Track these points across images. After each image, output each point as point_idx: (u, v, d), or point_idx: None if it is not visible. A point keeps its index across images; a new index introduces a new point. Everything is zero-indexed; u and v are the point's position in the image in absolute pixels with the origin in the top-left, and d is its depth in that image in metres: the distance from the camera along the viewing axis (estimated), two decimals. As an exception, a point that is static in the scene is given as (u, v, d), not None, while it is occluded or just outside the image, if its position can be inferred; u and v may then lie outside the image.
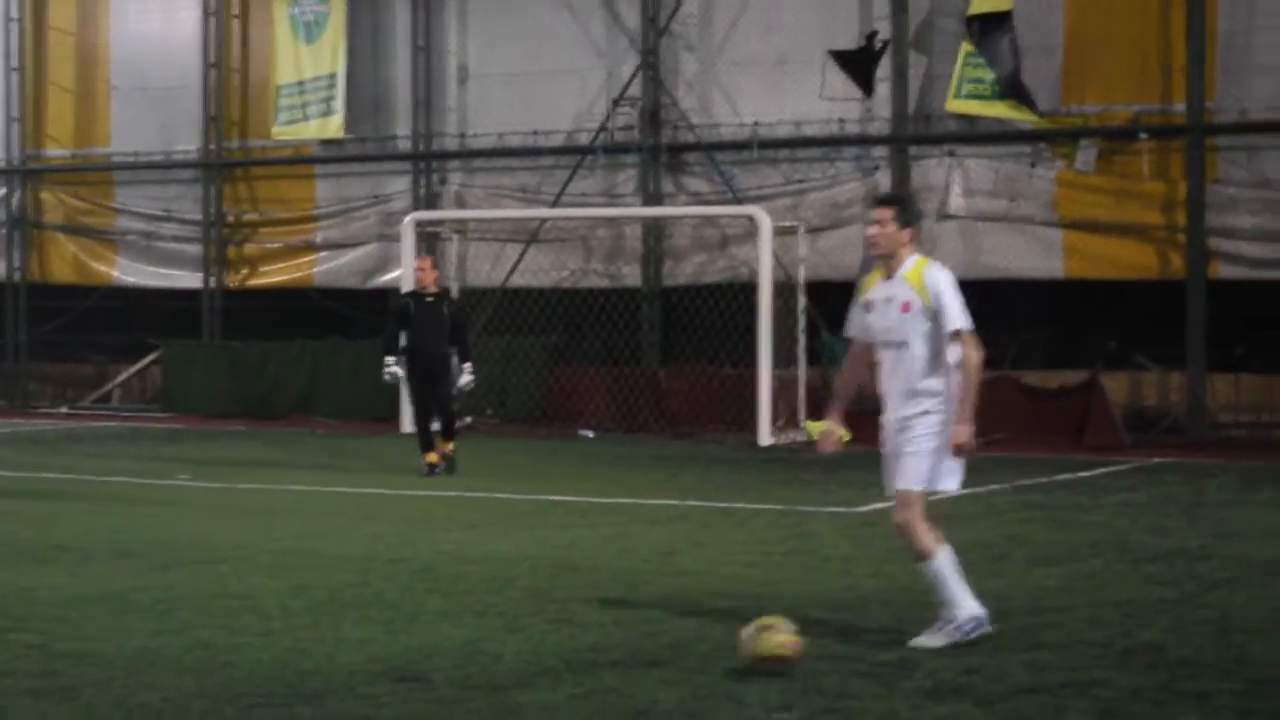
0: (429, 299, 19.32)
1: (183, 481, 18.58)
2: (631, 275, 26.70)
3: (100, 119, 30.62)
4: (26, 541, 13.80)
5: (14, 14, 30.69)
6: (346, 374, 26.63)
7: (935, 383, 9.21)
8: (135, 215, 30.15)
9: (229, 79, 29.43)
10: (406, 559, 12.78)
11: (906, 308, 9.24)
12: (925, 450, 9.19)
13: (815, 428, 23.83)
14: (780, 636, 8.62)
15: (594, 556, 13.04)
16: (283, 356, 27.80)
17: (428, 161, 28.01)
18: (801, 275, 24.60)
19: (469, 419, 24.67)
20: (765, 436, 22.97)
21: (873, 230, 9.38)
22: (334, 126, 28.29)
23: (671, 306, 26.12)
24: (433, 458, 19.12)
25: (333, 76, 28.16)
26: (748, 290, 23.70)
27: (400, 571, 12.21)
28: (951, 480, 9.33)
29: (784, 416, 23.68)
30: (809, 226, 25.03)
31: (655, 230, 26.56)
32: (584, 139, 26.67)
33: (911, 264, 9.36)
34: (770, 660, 8.58)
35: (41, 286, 30.73)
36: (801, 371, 24.35)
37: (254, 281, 29.23)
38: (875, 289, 9.46)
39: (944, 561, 9.24)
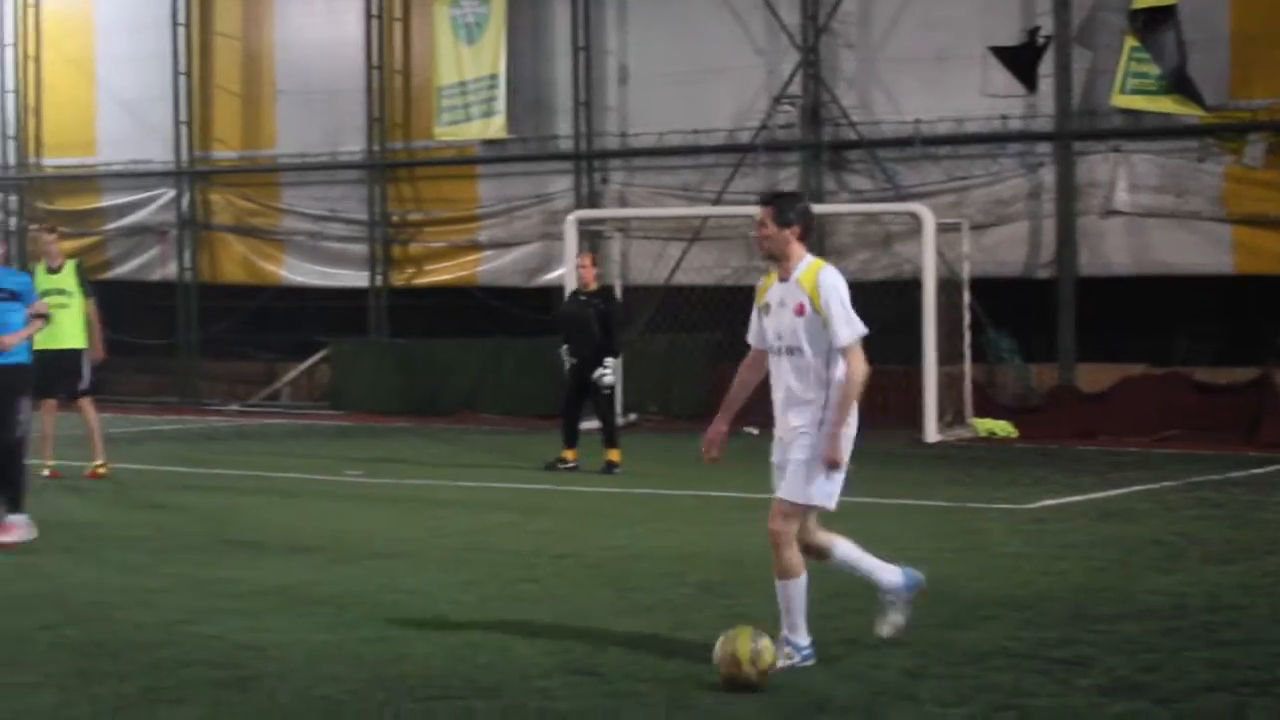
0: (583, 297, 19.44)
1: (354, 477, 18.80)
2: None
3: (266, 121, 31.06)
4: (202, 536, 14.04)
5: (181, 19, 31.20)
6: (511, 372, 26.81)
7: (824, 393, 8.81)
8: (302, 216, 30.53)
9: (392, 81, 29.72)
10: (575, 554, 12.85)
11: (800, 310, 8.80)
12: (808, 462, 8.81)
13: (983, 425, 23.67)
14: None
15: (761, 552, 13.00)
16: (448, 354, 28.06)
17: (589, 161, 28.13)
18: (966, 272, 24.43)
19: (632, 416, 24.75)
20: (932, 433, 22.84)
21: (756, 231, 9.02)
22: (496, 127, 28.48)
23: (835, 304, 26.00)
24: (569, 454, 19.23)
25: (494, 77, 28.35)
26: (911, 287, 23.56)
27: (569, 567, 12.29)
28: (827, 498, 8.93)
29: (950, 413, 23.53)
30: (972, 223, 24.84)
31: (818, 228, 26.44)
32: (744, 137, 26.64)
33: (805, 266, 8.88)
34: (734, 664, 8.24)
35: (211, 286, 31.23)
36: (967, 368, 24.19)
37: (419, 280, 29.50)
38: (770, 291, 9.00)
39: (798, 587, 8.82)
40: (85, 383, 18.47)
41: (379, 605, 10.68)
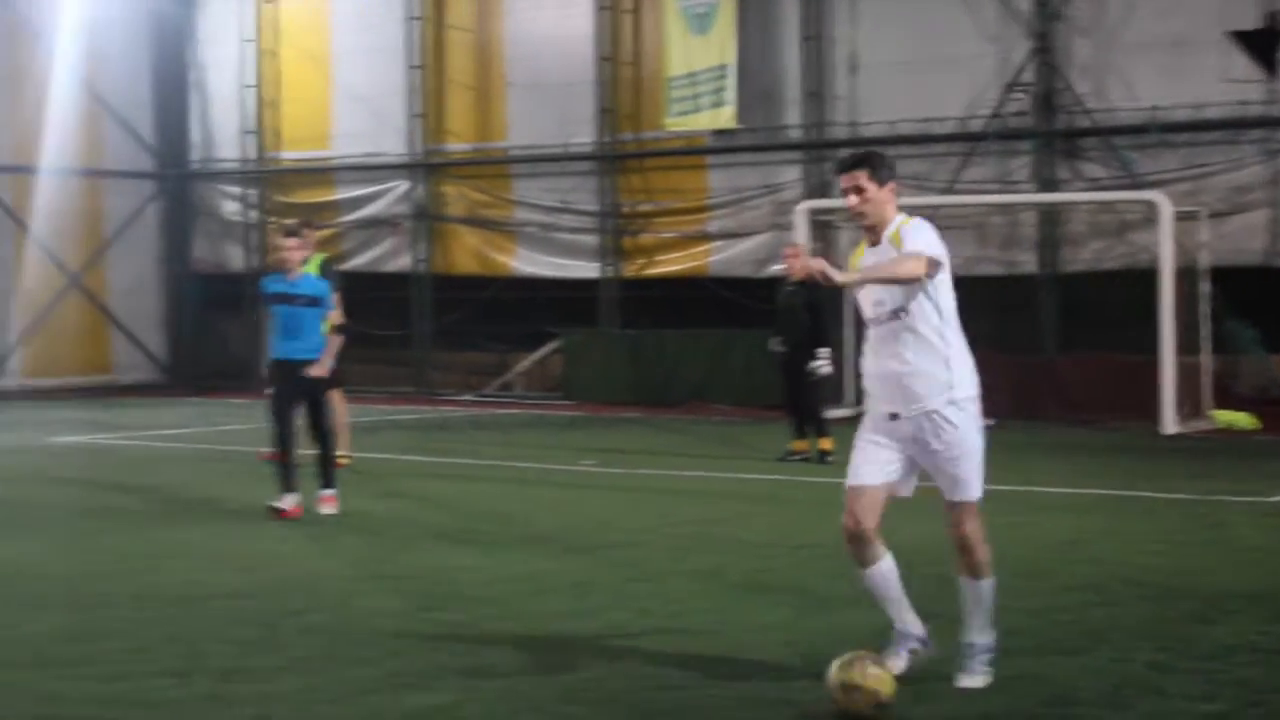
0: (790, 287, 19.43)
1: (587, 467, 18.94)
2: (1027, 262, 26.32)
3: (497, 114, 31.41)
4: (440, 525, 14.24)
5: (415, 14, 31.66)
6: (740, 362, 26.83)
7: (944, 367, 7.98)
8: (533, 207, 30.85)
9: (621, 72, 29.90)
10: (810, 545, 12.82)
11: None
12: (978, 448, 8.08)
13: (1223, 416, 23.18)
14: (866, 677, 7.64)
15: (997, 544, 12.89)
16: (679, 345, 28.18)
17: (819, 150, 28.05)
18: (1204, 261, 23.95)
19: (846, 411, 24.63)
20: (1170, 424, 22.42)
21: (851, 200, 8.09)
22: (725, 117, 28.51)
23: (1069, 293, 25.68)
24: (798, 445, 19.20)
25: (723, 67, 28.38)
26: (1147, 276, 23.14)
27: (806, 557, 12.27)
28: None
29: (1188, 404, 23.08)
30: (1211, 211, 24.35)
31: (1051, 216, 26.13)
32: (976, 126, 26.39)
33: (895, 224, 8.07)
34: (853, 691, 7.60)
35: (445, 277, 31.67)
36: (1206, 358, 23.72)
37: (649, 271, 29.64)
38: (864, 260, 8.18)
39: (992, 585, 8.23)
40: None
41: (618, 594, 10.75)
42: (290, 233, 15.61)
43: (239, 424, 18.93)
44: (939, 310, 7.99)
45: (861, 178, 8.04)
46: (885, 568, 8.22)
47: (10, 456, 20.53)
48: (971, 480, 8.11)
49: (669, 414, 26.41)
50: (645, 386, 28.00)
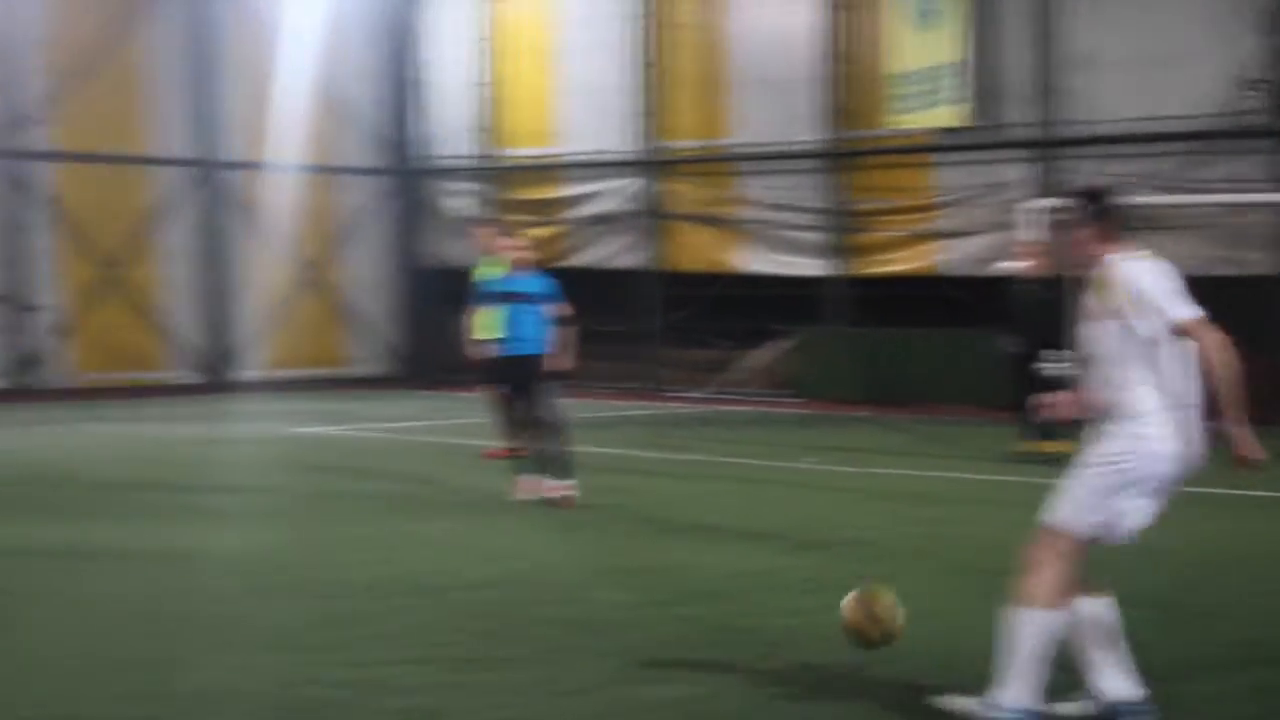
0: (1025, 286, 19.29)
1: (812, 464, 18.97)
2: (1259, 263, 25.81)
3: (722, 111, 31.47)
4: (671, 519, 14.38)
5: (641, 11, 31.86)
6: (971, 362, 26.61)
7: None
8: (758, 205, 30.89)
9: (846, 69, 29.81)
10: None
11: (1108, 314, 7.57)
12: (1089, 475, 7.66)
13: None
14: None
15: (1238, 549, 12.76)
16: (908, 344, 28.09)
17: (1047, 149, 27.73)
18: None
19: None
20: None
21: (1059, 241, 7.80)
22: (951, 115, 28.30)
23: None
24: (1029, 446, 19.05)
25: (950, 65, 28.18)
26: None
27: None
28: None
29: None
30: None
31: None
32: (1207, 124, 25.93)
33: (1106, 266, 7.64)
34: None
35: (672, 274, 31.84)
36: None
37: (876, 269, 29.52)
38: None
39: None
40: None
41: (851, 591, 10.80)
42: (506, 232, 16.03)
43: (469, 417, 19.25)
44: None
45: (1066, 216, 7.77)
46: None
47: (252, 447, 21.09)
48: (1059, 502, 7.75)
49: (898, 413, 26.31)
50: (874, 385, 27.92)
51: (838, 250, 29.75)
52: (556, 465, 15.29)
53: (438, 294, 34.45)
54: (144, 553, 12.45)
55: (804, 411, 27.20)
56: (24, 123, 30.25)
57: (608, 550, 12.60)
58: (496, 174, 34.21)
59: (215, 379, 32.13)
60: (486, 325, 19.10)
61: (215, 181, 32.57)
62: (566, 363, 15.51)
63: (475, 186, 34.50)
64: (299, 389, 30.78)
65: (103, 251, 31.04)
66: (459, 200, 34.75)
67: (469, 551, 12.60)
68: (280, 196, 33.13)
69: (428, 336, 34.42)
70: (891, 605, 8.19)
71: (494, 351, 15.98)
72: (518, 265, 15.60)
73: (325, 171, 34.12)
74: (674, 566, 11.85)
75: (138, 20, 31.59)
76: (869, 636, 8.15)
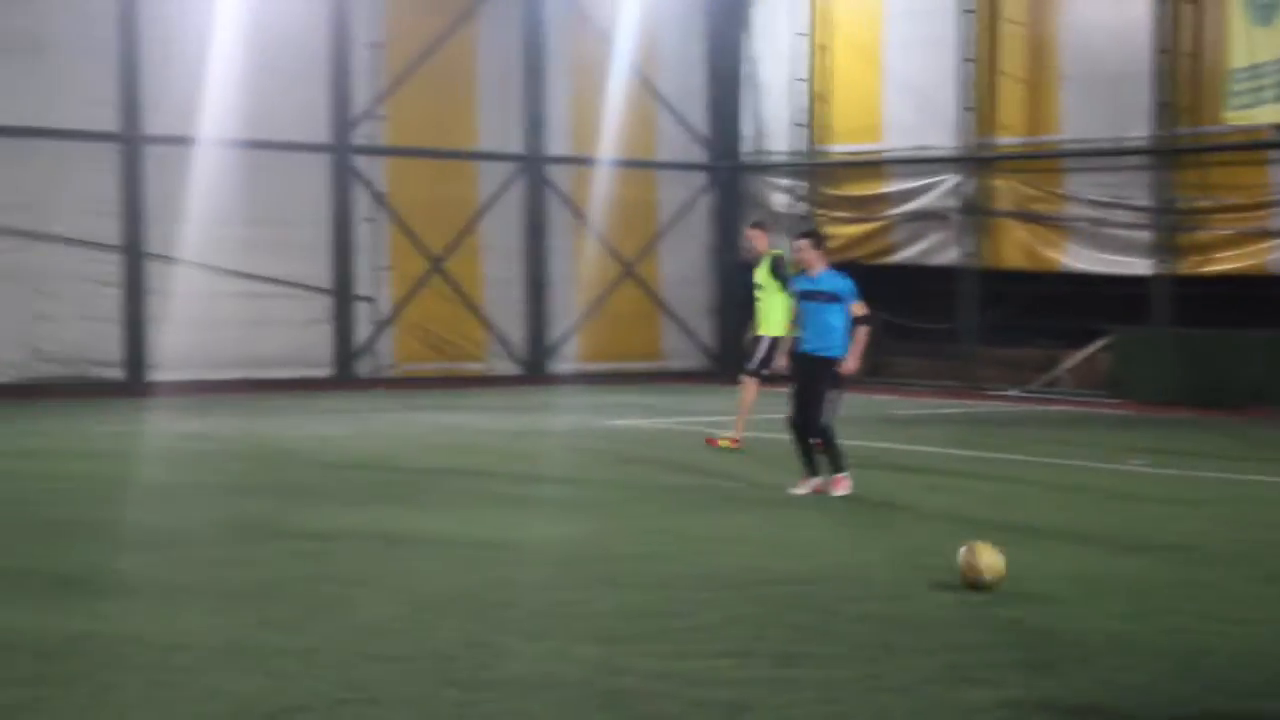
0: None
1: (1136, 467, 18.49)
2: None
3: (1050, 107, 30.91)
4: (987, 519, 14.10)
5: (969, 6, 31.44)
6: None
7: None
8: (1084, 202, 30.29)
9: (1180, 64, 29.05)
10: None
11: None
12: None
13: None
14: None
15: None
16: (1233, 345, 27.28)
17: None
18: None
19: None
20: None
21: None
22: (1288, 111, 27.44)
23: None
24: None
25: (1287, 60, 27.31)
26: None
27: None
28: None
29: None
30: None
31: None
32: None
33: None
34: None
35: (992, 272, 31.39)
36: None
37: (1205, 269, 28.73)
38: None
39: None
40: (753, 363, 19.70)
41: (1177, 597, 10.49)
42: (804, 234, 16.14)
43: (776, 413, 19.18)
44: None
45: None
46: None
47: (568, 438, 21.32)
48: None
49: (1221, 415, 25.54)
50: (1198, 386, 27.15)
51: (1165, 249, 29.00)
52: (830, 461, 15.45)
53: (751, 290, 34.48)
54: (463, 540, 12.63)
55: (1124, 412, 26.57)
56: (357, 120, 31.06)
57: (924, 548, 12.42)
58: (817, 170, 34.08)
59: (533, 371, 32.59)
60: (770, 320, 19.32)
61: (539, 176, 33.04)
62: (852, 365, 15.42)
63: (795, 183, 34.42)
64: (614, 382, 31.07)
65: (429, 245, 31.72)
66: (778, 196, 34.70)
67: (779, 546, 12.54)
68: (601, 191, 33.50)
69: (743, 331, 34.45)
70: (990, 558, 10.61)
71: (783, 346, 16.01)
72: (810, 265, 15.58)
73: (646, 166, 34.40)
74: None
75: (469, 20, 32.20)
76: (983, 583, 10.51)
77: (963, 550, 10.69)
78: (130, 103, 28.73)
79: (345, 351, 30.94)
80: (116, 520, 13.51)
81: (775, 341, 18.87)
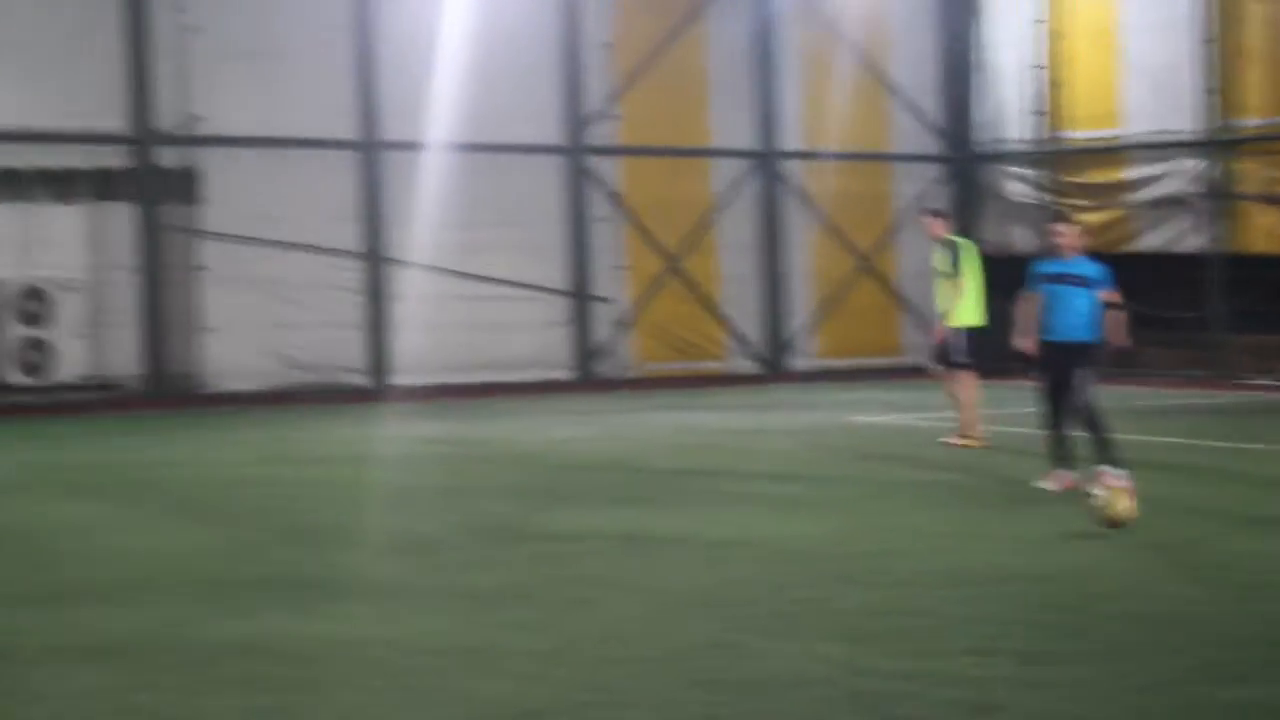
0: None
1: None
2: None
3: (1292, 87, 30.19)
4: (1242, 512, 13.79)
5: (1207, -14, 30.80)
6: None
7: None
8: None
9: None
10: None
11: None
12: None
13: None
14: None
15: None
16: None
17: None
18: None
19: None
20: None
21: None
22: None
23: None
24: None
25: None
26: None
27: None
28: None
29: None
30: None
31: None
32: None
33: None
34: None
35: (1239, 257, 30.63)
36: None
37: None
38: None
39: None
40: (958, 356, 19.39)
41: None
42: (1065, 218, 15.92)
43: (1020, 407, 18.93)
44: None
45: None
46: None
47: (809, 435, 21.23)
48: None
49: None
50: None
51: None
52: (1094, 455, 14.91)
53: (994, 282, 34.04)
54: (704, 540, 12.63)
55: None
56: (590, 120, 31.27)
57: (1172, 543, 12.13)
58: (1055, 158, 33.55)
59: (772, 368, 32.54)
60: (960, 309, 19.29)
61: (774, 172, 32.99)
62: (1124, 339, 15.21)
63: (1032, 171, 33.93)
64: (853, 378, 30.91)
65: (664, 244, 31.82)
66: (1016, 185, 34.23)
67: (1020, 541, 12.33)
68: (835, 185, 33.35)
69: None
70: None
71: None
72: (1067, 250, 15.32)
73: (880, 159, 34.20)
74: (1251, 559, 11.32)
75: (698, 16, 32.26)
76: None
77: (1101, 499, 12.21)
78: (367, 110, 29.25)
79: (585, 353, 31.16)
80: (363, 525, 13.74)
81: (971, 332, 19.33)
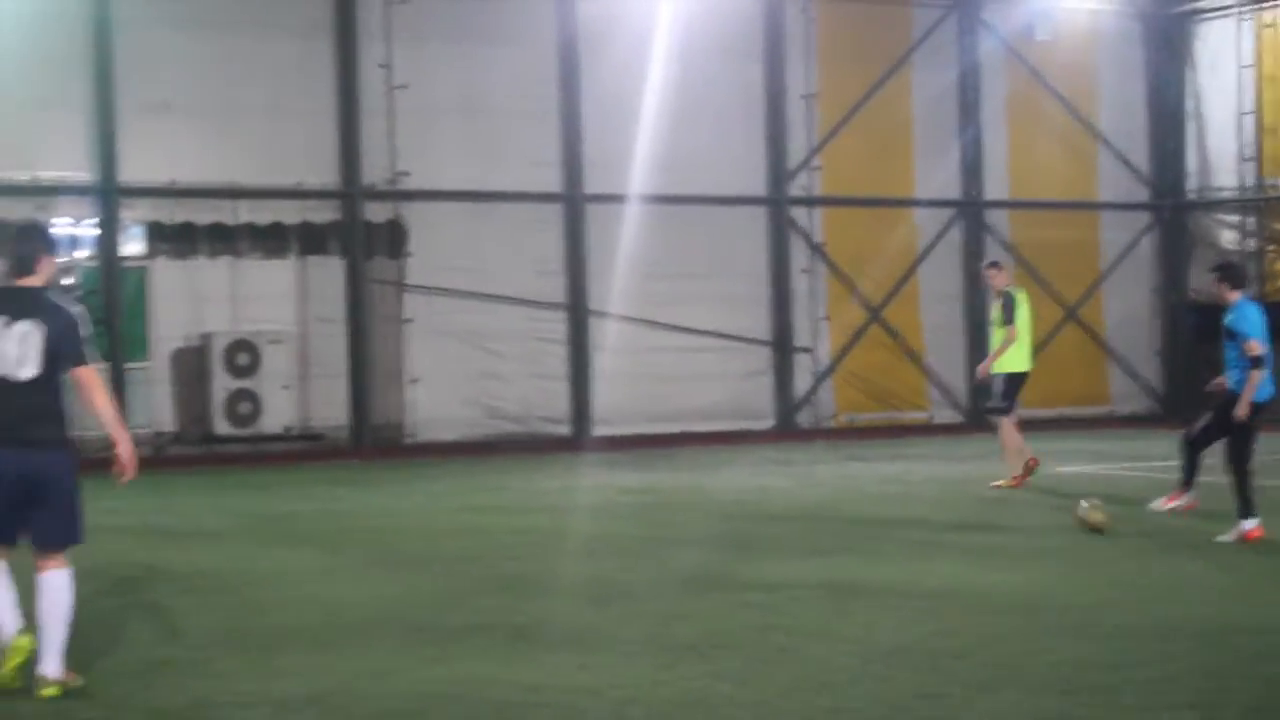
0: None
1: None
2: None
3: None
4: None
5: None
6: None
7: None
8: None
9: None
10: None
11: None
12: None
13: None
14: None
15: None
16: None
17: None
18: None
19: None
20: None
21: None
22: None
23: None
24: None
25: None
26: None
27: None
28: None
29: None
30: None
31: None
32: None
33: None
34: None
35: None
36: None
37: None
38: None
39: None
40: (995, 400, 20.56)
41: None
42: (1214, 268, 15.93)
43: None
44: None
45: None
46: None
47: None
48: None
49: None
50: None
51: None
52: (1239, 504, 14.96)
53: (1203, 330, 33.41)
54: (910, 590, 12.44)
55: None
56: (794, 171, 31.23)
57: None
58: (1267, 205, 32.88)
59: (976, 419, 32.15)
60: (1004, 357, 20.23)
61: (977, 221, 32.68)
62: (1240, 411, 14.92)
63: (1243, 219, 33.28)
64: (1059, 428, 30.41)
65: (866, 293, 31.64)
66: (1226, 233, 33.59)
67: (1236, 593, 12.02)
68: (1041, 234, 32.97)
69: (1191, 373, 33.42)
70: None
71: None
72: (1222, 299, 15.24)
73: (1087, 208, 33.78)
74: None
75: (902, 67, 32.11)
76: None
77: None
78: (571, 162, 29.45)
79: (786, 403, 31.03)
80: (565, 574, 13.72)
81: (1012, 377, 20.29)
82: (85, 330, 9.38)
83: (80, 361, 9.27)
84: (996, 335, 20.48)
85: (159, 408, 26.86)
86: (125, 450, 9.31)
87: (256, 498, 21.13)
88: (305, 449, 27.40)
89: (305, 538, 16.67)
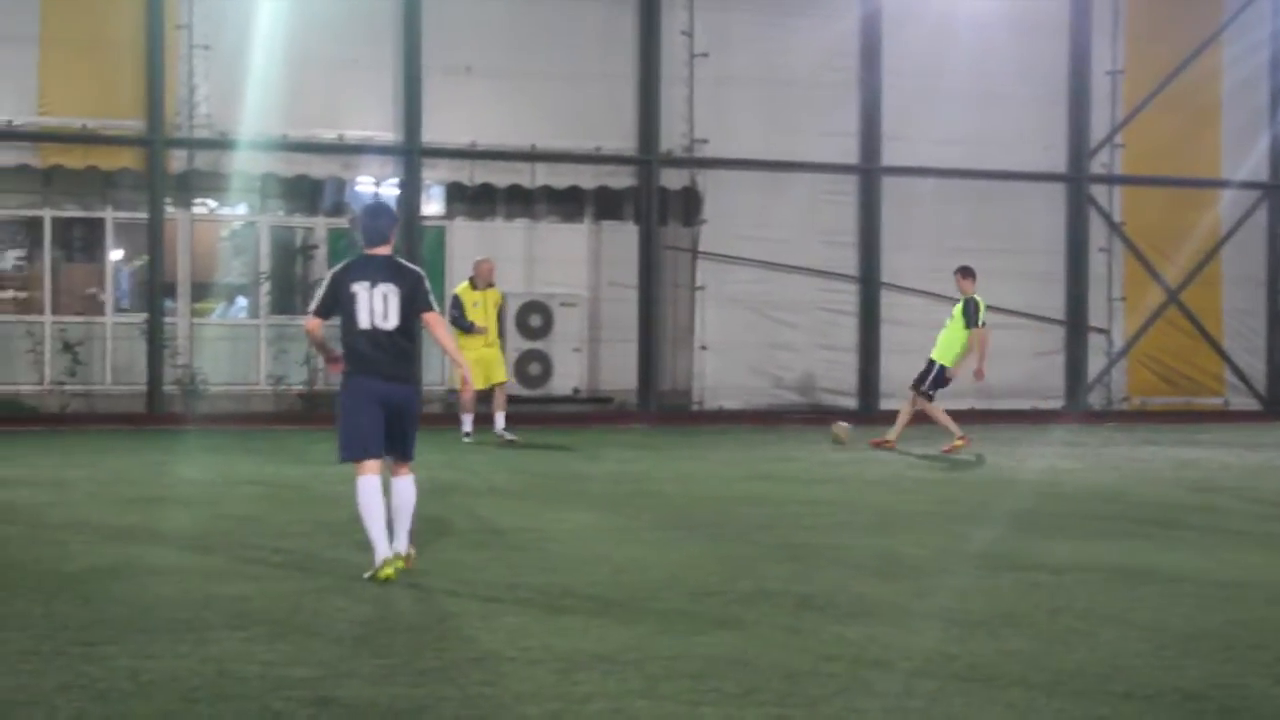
0: None
1: None
2: None
3: None
4: None
5: None
6: None
7: None
8: None
9: None
10: None
11: None
12: None
13: None
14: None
15: None
16: None
17: None
18: None
19: None
20: None
21: None
22: None
23: None
24: None
25: None
26: None
27: None
28: None
29: None
30: None
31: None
32: None
33: None
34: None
35: None
36: None
37: None
38: None
39: None
40: (927, 385, 22.87)
41: None
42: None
43: None
44: None
45: None
46: None
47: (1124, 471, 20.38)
48: None
49: None
50: None
51: None
52: None
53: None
54: (1204, 577, 12.17)
55: None
56: (1096, 148, 30.69)
57: None
58: None
59: (1276, 406, 31.32)
60: (946, 349, 22.70)
61: (1283, 205, 31.84)
62: None
63: None
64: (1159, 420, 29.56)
65: (1165, 275, 30.97)
66: None
67: None
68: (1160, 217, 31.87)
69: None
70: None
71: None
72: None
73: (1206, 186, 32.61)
74: None
75: (1214, 45, 31.33)
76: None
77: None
78: (870, 134, 29.32)
79: (1077, 383, 30.55)
80: (851, 545, 13.70)
81: (944, 368, 22.63)
82: (428, 284, 11.65)
83: (428, 308, 11.63)
84: (953, 334, 22.60)
85: (449, 365, 27.30)
86: (466, 374, 13.25)
87: (545, 457, 21.46)
88: (592, 411, 27.72)
89: (596, 499, 16.88)
